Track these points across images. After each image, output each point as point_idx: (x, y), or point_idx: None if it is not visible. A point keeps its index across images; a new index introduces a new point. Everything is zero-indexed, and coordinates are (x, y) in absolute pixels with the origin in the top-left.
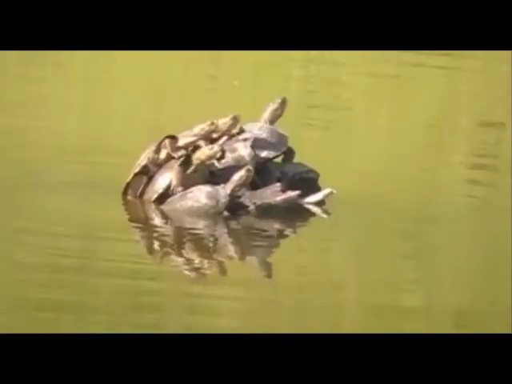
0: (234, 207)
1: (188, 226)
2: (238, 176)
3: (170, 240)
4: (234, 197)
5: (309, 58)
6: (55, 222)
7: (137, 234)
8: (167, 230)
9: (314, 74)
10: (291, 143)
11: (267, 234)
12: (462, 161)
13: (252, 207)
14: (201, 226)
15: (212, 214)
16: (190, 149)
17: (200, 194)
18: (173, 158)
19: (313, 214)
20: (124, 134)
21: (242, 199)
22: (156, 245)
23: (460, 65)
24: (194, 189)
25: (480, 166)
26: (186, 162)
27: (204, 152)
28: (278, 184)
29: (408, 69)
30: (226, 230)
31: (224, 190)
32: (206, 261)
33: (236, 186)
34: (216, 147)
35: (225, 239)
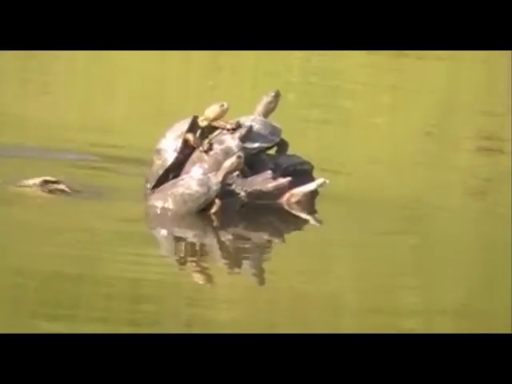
0: (225, 194)
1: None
2: (228, 163)
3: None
4: (225, 184)
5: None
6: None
7: None
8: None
9: (315, 66)
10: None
11: (257, 243)
12: (463, 160)
13: (243, 194)
14: (190, 235)
15: (203, 202)
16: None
17: (191, 182)
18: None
19: (306, 222)
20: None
21: (233, 186)
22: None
23: (460, 62)
24: (185, 176)
25: (481, 166)
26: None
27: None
28: (270, 171)
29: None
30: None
31: (215, 178)
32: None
33: (227, 173)
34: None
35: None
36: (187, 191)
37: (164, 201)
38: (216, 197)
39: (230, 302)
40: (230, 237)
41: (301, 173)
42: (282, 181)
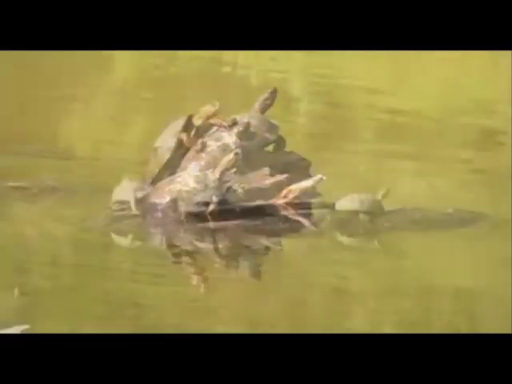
0: (223, 192)
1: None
2: (226, 160)
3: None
4: (222, 181)
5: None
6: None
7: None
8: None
9: (314, 67)
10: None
11: (254, 248)
12: (463, 166)
13: (241, 191)
14: (187, 239)
15: (200, 199)
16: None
17: (189, 179)
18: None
19: (302, 226)
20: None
21: (230, 183)
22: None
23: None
24: (182, 173)
25: (481, 166)
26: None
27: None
28: (267, 168)
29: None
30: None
31: (213, 175)
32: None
33: (225, 170)
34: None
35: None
36: (184, 188)
37: (161, 198)
38: (213, 194)
39: (228, 309)
40: (227, 242)
41: (298, 170)
42: (280, 177)
